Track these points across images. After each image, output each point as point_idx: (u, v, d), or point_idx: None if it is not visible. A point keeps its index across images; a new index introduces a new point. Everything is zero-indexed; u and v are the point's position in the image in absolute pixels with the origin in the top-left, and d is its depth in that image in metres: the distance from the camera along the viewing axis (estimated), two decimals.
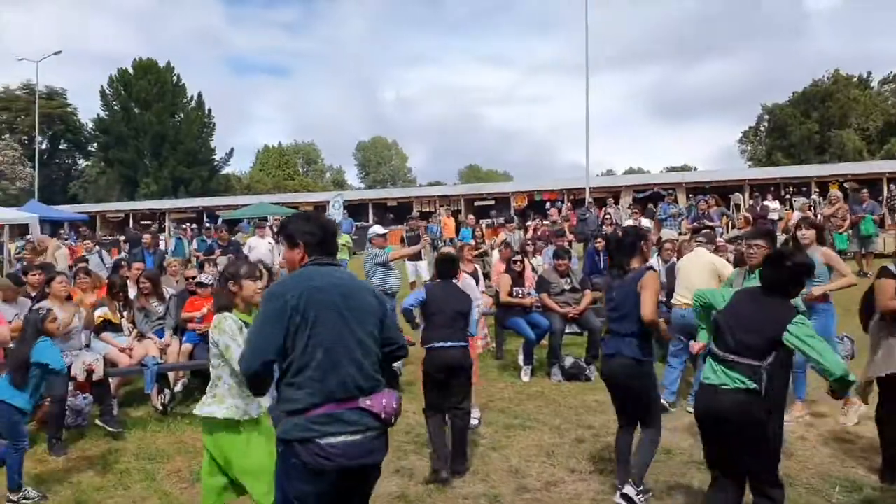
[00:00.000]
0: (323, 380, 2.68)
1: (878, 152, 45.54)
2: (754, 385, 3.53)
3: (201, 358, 6.96)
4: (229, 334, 3.66)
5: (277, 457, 2.77)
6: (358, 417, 2.70)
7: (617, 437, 4.66)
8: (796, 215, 14.43)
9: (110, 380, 6.59)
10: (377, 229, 9.43)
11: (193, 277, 7.55)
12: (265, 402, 3.74)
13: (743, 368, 3.57)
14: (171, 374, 7.03)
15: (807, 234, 5.95)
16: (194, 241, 14.67)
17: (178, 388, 7.22)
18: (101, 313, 6.82)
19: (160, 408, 6.72)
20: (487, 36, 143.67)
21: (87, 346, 6.52)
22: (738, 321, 3.70)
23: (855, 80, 50.91)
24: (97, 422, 6.18)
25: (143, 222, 35.25)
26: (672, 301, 6.79)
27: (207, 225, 16.23)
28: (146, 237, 12.12)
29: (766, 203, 18.71)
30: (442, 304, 5.30)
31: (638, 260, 4.53)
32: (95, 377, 6.02)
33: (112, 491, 4.95)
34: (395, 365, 7.21)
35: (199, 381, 7.30)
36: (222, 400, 3.70)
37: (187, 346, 7.03)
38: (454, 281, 5.53)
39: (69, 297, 6.29)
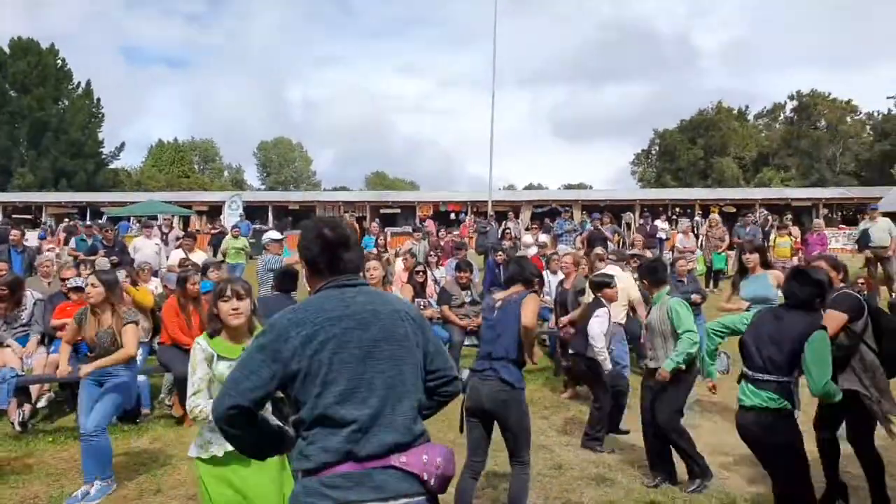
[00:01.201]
0: (342, 437, 2.06)
1: (753, 180, 49.50)
2: (783, 403, 3.61)
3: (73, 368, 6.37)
4: (190, 362, 3.27)
5: None
6: (390, 481, 2.05)
7: (462, 479, 4.24)
8: (679, 237, 15.22)
9: None
10: (272, 234, 9.09)
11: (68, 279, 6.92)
12: None
13: (772, 386, 3.65)
14: (33, 388, 6.36)
15: (750, 258, 6.05)
16: (72, 239, 13.54)
17: (41, 402, 6.55)
18: None
19: (17, 426, 6.05)
20: (401, 45, 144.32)
21: None
22: (762, 339, 3.77)
23: (735, 111, 55.10)
24: None
25: (14, 216, 32.58)
26: None
27: (88, 223, 15.05)
28: (14, 234, 11.07)
29: (655, 223, 19.63)
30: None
31: (520, 287, 4.44)
32: None
33: None
34: None
35: (68, 394, 6.69)
36: (199, 434, 3.27)
37: (55, 357, 6.38)
38: (292, 295, 5.26)
39: None
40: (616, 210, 27.30)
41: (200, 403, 3.24)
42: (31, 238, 16.94)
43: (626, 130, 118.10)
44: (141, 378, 6.75)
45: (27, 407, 6.22)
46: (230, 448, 3.08)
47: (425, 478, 2.07)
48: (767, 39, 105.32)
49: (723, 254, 15.00)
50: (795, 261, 12.20)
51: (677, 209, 30.72)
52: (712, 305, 8.44)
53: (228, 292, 3.36)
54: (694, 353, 4.87)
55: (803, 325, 3.67)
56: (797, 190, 37.18)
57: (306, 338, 2.10)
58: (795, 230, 15.51)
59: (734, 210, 30.13)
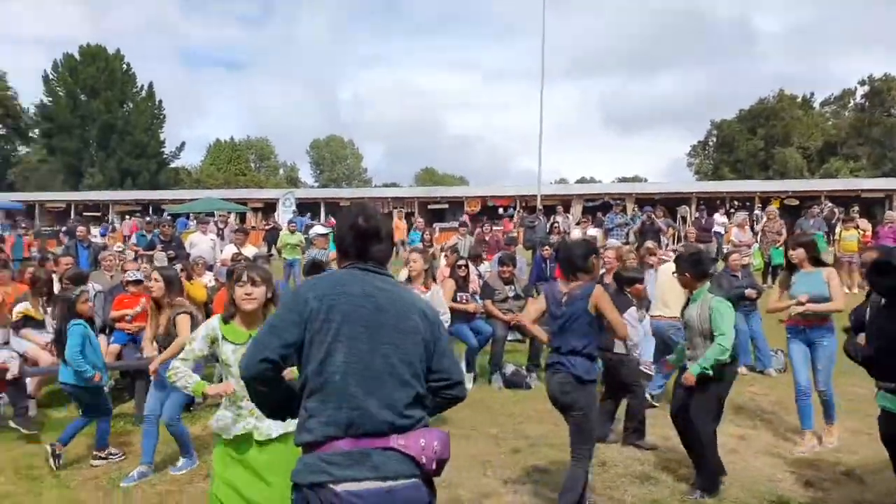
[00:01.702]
0: (342, 408, 2.13)
1: (818, 171, 47.39)
2: None
3: (130, 358, 6.70)
4: (193, 332, 3.44)
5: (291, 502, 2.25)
6: (388, 461, 2.12)
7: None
8: (735, 230, 14.80)
9: (29, 379, 6.26)
10: (319, 229, 9.30)
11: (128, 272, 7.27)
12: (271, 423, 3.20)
13: None
14: None
15: (794, 254, 5.66)
16: (133, 235, 14.18)
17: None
18: (21, 308, 6.48)
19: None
20: (449, 41, 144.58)
21: (6, 343, 6.18)
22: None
23: (798, 99, 52.88)
24: (11, 423, 5.85)
25: (85, 213, 34.08)
26: (650, 313, 6.98)
27: (148, 219, 15.69)
28: (80, 230, 11.66)
29: (713, 216, 19.07)
30: None
31: (587, 277, 4.38)
32: (9, 375, 5.70)
33: (22, 498, 4.68)
34: None
35: (127, 381, 7.02)
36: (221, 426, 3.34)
37: (115, 347, 6.75)
38: None
39: None
40: (671, 203, 26.76)
41: (179, 368, 3.48)
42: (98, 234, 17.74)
43: (682, 121, 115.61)
44: None
45: None
46: (239, 432, 3.24)
47: (422, 461, 2.14)
48: (834, 20, 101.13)
49: (781, 248, 14.53)
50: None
51: (735, 202, 29.77)
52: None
53: (244, 277, 3.42)
54: (725, 359, 4.62)
55: None
56: (868, 180, 34.76)
57: (321, 303, 2.19)
58: (864, 223, 14.72)
59: (797, 202, 28.94)
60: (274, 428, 3.20)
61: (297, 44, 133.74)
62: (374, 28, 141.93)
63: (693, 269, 4.95)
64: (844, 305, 5.40)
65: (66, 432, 5.21)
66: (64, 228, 20.88)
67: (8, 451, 5.55)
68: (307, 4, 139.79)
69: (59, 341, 5.28)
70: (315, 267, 5.54)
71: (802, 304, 5.45)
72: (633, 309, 5.60)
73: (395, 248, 18.95)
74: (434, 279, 6.23)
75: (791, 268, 5.74)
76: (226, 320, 3.45)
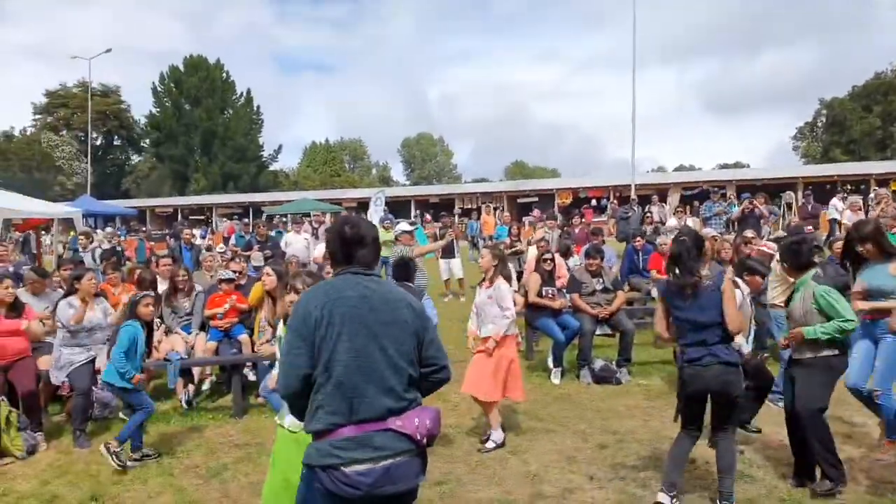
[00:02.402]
0: (345, 399, 2.45)
1: None
2: None
3: (225, 355, 7.02)
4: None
5: (301, 478, 2.61)
6: (387, 441, 2.45)
7: (680, 443, 4.40)
8: (847, 215, 13.78)
9: None
10: (403, 226, 9.36)
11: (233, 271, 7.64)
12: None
13: None
14: (195, 371, 7.10)
15: (864, 249, 5.14)
16: (232, 236, 14.89)
17: (205, 385, 7.31)
18: None
19: (184, 404, 6.77)
20: (535, 31, 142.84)
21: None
22: None
23: None
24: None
25: (191, 217, 36.07)
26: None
27: (246, 221, 16.47)
28: (186, 233, 12.35)
29: (833, 201, 17.74)
30: None
31: (705, 264, 4.42)
32: None
33: (129, 485, 4.99)
34: None
35: (226, 377, 7.36)
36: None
37: (212, 344, 7.08)
38: (407, 283, 5.32)
39: (98, 294, 6.36)
40: (774, 189, 25.36)
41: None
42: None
43: (787, 102, 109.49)
44: None
45: (191, 387, 6.93)
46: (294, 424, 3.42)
47: (417, 437, 2.48)
48: None
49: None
50: None
51: (848, 186, 27.80)
52: None
53: (288, 286, 3.87)
54: (841, 338, 4.42)
55: None
56: None
57: (322, 311, 2.50)
58: None
59: None
60: None
61: (386, 44, 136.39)
62: (461, 24, 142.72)
63: (791, 260, 4.72)
64: None
65: (122, 431, 5.35)
66: (170, 232, 22.17)
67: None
68: (394, 5, 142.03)
69: (112, 339, 5.46)
70: (403, 264, 5.56)
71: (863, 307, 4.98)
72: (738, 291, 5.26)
73: (483, 242, 18.98)
74: (507, 276, 6.07)
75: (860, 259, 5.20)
76: (284, 321, 3.75)
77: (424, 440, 2.50)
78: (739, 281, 5.40)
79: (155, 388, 7.42)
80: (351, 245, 2.66)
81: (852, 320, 4.37)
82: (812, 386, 4.52)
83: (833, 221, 16.19)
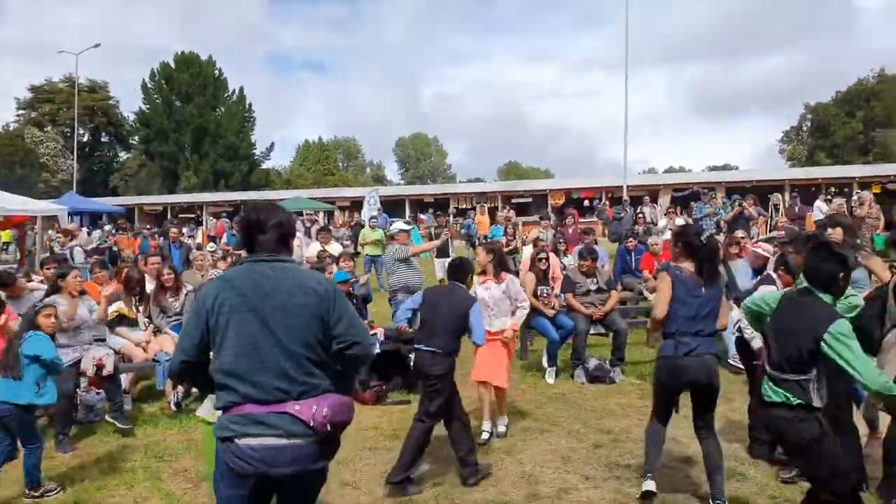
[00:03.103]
0: (237, 382, 2.57)
1: None
2: (801, 399, 3.40)
3: None
4: None
5: None
6: (282, 422, 2.52)
7: (652, 428, 4.51)
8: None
9: (124, 375, 6.55)
10: (400, 225, 9.30)
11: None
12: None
13: (790, 385, 3.43)
14: None
15: (833, 233, 5.49)
16: (225, 234, 14.76)
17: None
18: (115, 307, 6.76)
19: (173, 406, 6.65)
20: (530, 32, 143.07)
21: (103, 340, 6.48)
22: (780, 330, 3.54)
23: None
24: (107, 417, 6.13)
25: (181, 215, 35.80)
26: None
27: (237, 219, 16.34)
28: (173, 231, 12.20)
29: (817, 203, 17.94)
30: (431, 307, 5.07)
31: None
32: (105, 372, 5.95)
33: (114, 490, 4.87)
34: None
35: None
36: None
37: None
38: (460, 285, 5.28)
39: (83, 292, 6.22)
40: (763, 191, 25.47)
41: None
42: (198, 236, 18.55)
43: (775, 106, 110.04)
44: None
45: (181, 389, 6.80)
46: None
47: (312, 423, 2.52)
48: None
49: (882, 233, 13.60)
50: None
51: (832, 188, 28.02)
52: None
53: None
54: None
55: (820, 314, 3.38)
56: None
57: (215, 300, 2.64)
58: None
59: None
60: None
61: (381, 44, 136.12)
62: (456, 25, 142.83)
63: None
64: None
65: (28, 477, 4.70)
66: (159, 230, 21.98)
67: (104, 445, 5.81)
68: (390, 5, 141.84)
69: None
70: (458, 264, 5.51)
71: None
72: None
73: (479, 241, 18.92)
74: (505, 272, 6.16)
75: None
76: None
77: (323, 428, 2.53)
78: (775, 276, 5.48)
79: (143, 389, 7.31)
80: (252, 230, 2.75)
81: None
82: None
83: (818, 222, 16.34)
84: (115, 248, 14.36)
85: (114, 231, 18.06)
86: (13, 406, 4.60)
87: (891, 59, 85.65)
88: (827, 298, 3.49)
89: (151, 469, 5.22)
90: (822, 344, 3.29)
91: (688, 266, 4.34)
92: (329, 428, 2.56)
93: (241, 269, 2.76)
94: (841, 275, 3.49)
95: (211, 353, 2.69)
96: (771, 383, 3.52)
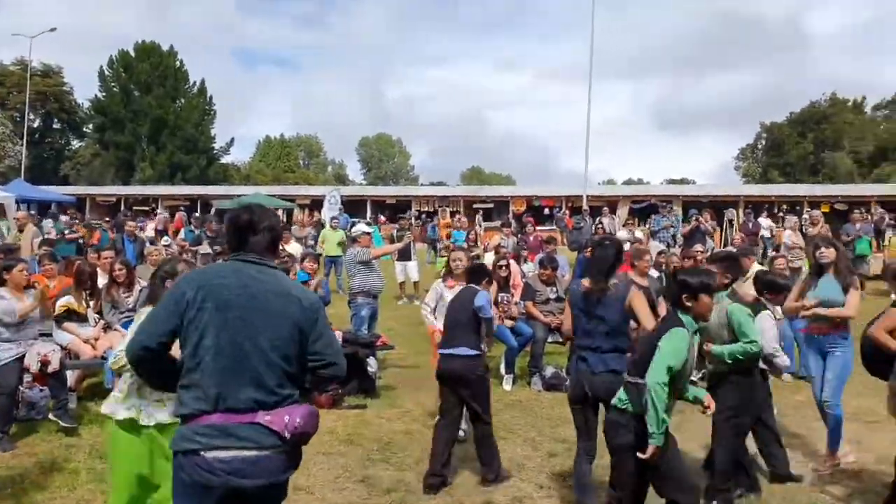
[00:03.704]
0: (211, 386, 2.41)
1: (869, 176, 46.03)
2: (627, 406, 3.59)
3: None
4: (135, 320, 3.64)
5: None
6: (253, 434, 2.39)
7: (578, 463, 4.46)
8: (787, 233, 14.32)
9: (70, 372, 6.33)
10: (362, 227, 9.23)
11: None
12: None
13: (630, 388, 3.59)
14: None
15: (826, 253, 5.33)
16: (182, 230, 14.42)
17: None
18: (64, 302, 6.52)
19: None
20: (498, 39, 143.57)
21: (49, 335, 6.25)
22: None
23: (850, 103, 51.39)
24: (51, 416, 5.89)
25: (135, 208, 34.89)
26: None
27: (196, 215, 15.94)
28: (129, 225, 11.87)
29: (759, 220, 18.64)
30: (449, 309, 5.26)
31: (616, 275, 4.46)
32: (50, 369, 5.71)
33: (56, 491, 4.69)
34: (371, 368, 7.16)
35: None
36: (126, 397, 3.58)
37: None
38: (475, 287, 5.29)
39: (29, 286, 5.96)
40: (719, 206, 26.08)
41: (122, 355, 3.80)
42: (148, 229, 17.93)
43: (732, 123, 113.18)
44: None
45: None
46: (161, 420, 3.52)
47: (286, 435, 2.41)
48: (888, 22, 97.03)
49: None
50: None
51: (784, 206, 28.96)
52: None
53: (165, 271, 3.88)
54: (744, 360, 4.43)
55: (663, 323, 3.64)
56: None
57: (196, 293, 2.47)
58: None
59: (846, 207, 27.86)
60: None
61: (349, 43, 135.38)
62: (424, 27, 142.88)
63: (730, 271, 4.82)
64: (856, 313, 5.13)
65: None
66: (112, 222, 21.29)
67: (47, 444, 5.59)
68: (357, 4, 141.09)
69: None
70: (478, 269, 5.53)
71: (808, 308, 5.20)
72: (766, 313, 4.99)
73: (436, 247, 18.91)
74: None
75: (819, 271, 5.38)
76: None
77: (295, 438, 2.45)
78: (767, 303, 5.16)
79: (90, 387, 7.08)
80: (244, 231, 2.63)
81: (755, 341, 4.39)
82: (726, 399, 4.47)
83: (763, 238, 16.99)
84: (80, 241, 13.69)
85: (75, 222, 17.39)
86: None
87: (841, 82, 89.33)
88: (683, 315, 3.63)
89: (96, 470, 5.02)
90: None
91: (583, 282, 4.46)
92: (299, 438, 2.47)
93: (226, 265, 2.65)
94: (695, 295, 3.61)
95: (177, 349, 2.56)
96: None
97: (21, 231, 11.97)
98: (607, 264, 4.39)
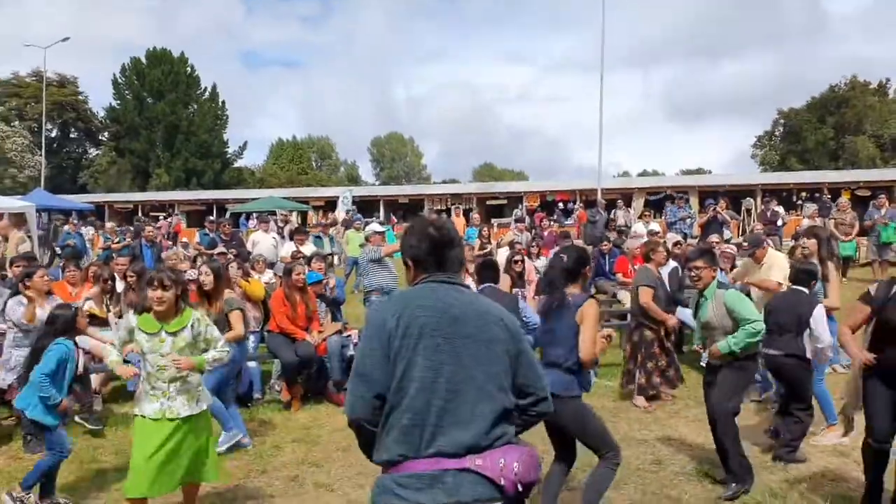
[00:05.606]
0: (415, 425, 2.05)
1: (893, 160, 45.09)
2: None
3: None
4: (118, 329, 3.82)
5: None
6: (463, 484, 2.00)
7: (550, 468, 4.15)
8: (805, 222, 14.19)
9: (94, 375, 6.44)
10: (375, 226, 9.31)
11: (184, 272, 7.38)
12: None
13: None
14: None
15: (807, 244, 5.65)
16: (196, 234, 14.57)
17: None
18: (86, 307, 6.65)
19: None
20: (505, 33, 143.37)
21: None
22: None
23: (872, 86, 50.28)
24: (77, 418, 6.02)
25: (152, 213, 35.26)
26: None
27: (210, 218, 16.12)
28: (147, 230, 12.03)
29: (777, 208, 18.38)
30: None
31: (577, 286, 4.13)
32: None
33: (85, 492, 4.81)
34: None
35: None
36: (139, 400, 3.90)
37: None
38: (493, 286, 5.28)
39: (49, 292, 6.09)
40: (736, 196, 25.91)
41: (112, 354, 4.17)
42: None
43: (748, 111, 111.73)
44: (252, 364, 7.14)
45: None
46: (155, 412, 3.83)
47: (501, 482, 2.00)
48: None
49: (852, 240, 13.93)
50: None
51: (803, 193, 28.57)
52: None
53: (154, 282, 3.83)
54: (754, 343, 4.57)
55: None
56: None
57: (398, 320, 2.12)
58: None
59: (869, 193, 27.46)
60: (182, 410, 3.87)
61: (357, 42, 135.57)
62: (432, 24, 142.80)
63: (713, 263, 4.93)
64: (838, 303, 5.61)
65: (29, 475, 4.49)
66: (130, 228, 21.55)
67: (73, 446, 5.64)
68: (365, 3, 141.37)
69: (33, 358, 4.54)
70: (489, 265, 5.52)
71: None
72: (822, 305, 4.97)
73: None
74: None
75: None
76: (140, 312, 3.94)
77: (514, 488, 2.02)
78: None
79: (113, 390, 7.20)
80: (443, 247, 2.28)
81: (758, 320, 4.52)
82: (725, 388, 4.64)
83: (776, 227, 16.79)
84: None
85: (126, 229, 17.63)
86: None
87: (861, 67, 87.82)
88: None
89: (123, 470, 5.09)
90: None
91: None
92: (520, 489, 2.04)
93: (427, 286, 2.24)
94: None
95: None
96: None
97: (6, 240, 11.63)
98: (559, 274, 4.12)
